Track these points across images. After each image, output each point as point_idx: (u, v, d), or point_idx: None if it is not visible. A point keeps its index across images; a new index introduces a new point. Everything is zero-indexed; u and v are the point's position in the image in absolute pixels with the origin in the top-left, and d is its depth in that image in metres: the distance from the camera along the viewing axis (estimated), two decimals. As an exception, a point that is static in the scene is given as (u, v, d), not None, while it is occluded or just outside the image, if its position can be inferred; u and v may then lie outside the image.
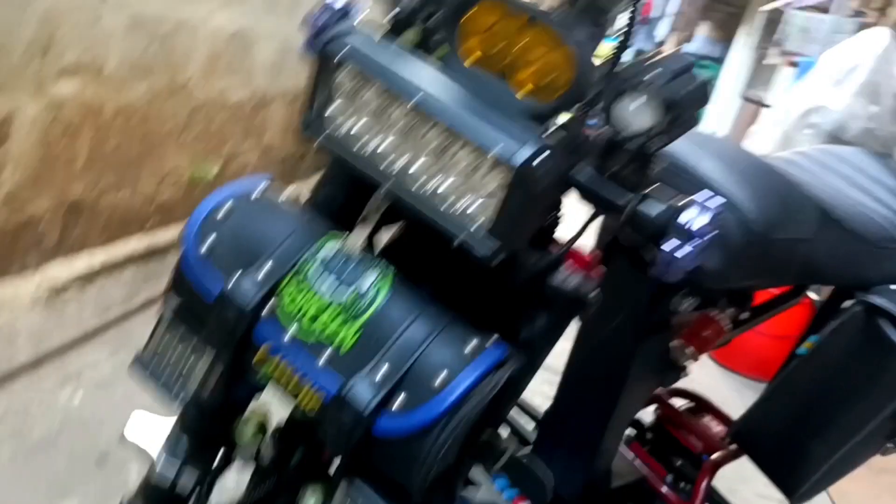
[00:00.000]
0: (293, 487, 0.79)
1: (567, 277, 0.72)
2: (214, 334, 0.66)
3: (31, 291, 2.14)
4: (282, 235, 0.70)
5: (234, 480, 0.90)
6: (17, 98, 1.85)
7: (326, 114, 0.66)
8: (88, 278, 2.38)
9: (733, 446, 1.59)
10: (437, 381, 0.62)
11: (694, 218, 0.63)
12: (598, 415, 1.28)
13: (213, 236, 0.69)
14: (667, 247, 0.63)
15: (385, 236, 0.83)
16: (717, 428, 1.75)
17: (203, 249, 0.68)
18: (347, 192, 0.80)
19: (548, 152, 0.58)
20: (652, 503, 1.58)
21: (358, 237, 0.80)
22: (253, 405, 0.83)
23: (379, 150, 0.64)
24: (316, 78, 0.68)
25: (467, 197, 0.61)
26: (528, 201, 0.59)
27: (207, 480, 0.87)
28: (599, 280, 0.74)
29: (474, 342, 0.64)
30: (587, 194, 0.67)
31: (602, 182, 0.65)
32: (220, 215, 0.70)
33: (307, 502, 0.75)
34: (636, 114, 0.59)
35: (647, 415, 1.70)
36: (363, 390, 0.61)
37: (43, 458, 1.73)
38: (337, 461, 0.76)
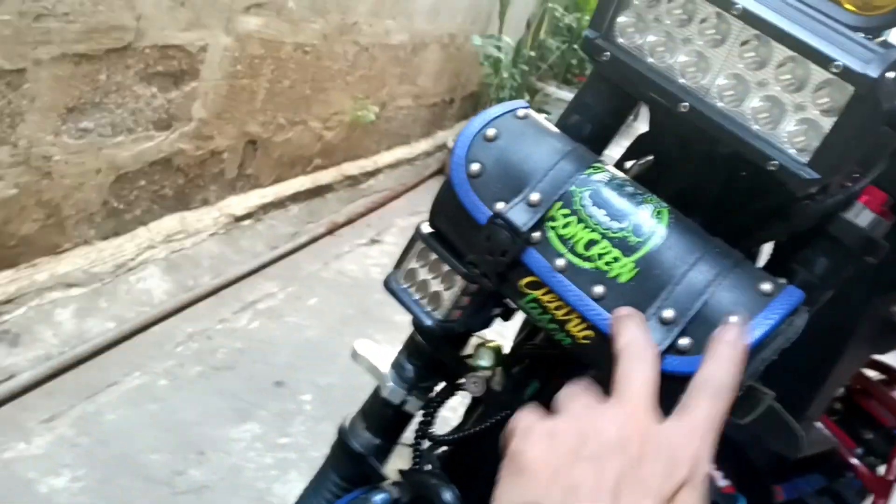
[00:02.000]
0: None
1: (860, 214, 0.65)
2: (485, 256, 0.63)
3: (212, 222, 2.24)
4: (550, 161, 0.66)
5: (457, 411, 0.89)
6: (210, 32, 1.91)
7: (618, 21, 0.61)
8: (260, 213, 2.47)
9: (934, 422, 1.47)
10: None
11: None
12: (810, 378, 1.20)
13: (480, 159, 0.66)
14: None
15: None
16: (911, 402, 1.63)
17: (472, 173, 0.66)
18: (597, 122, 0.75)
19: (897, 68, 0.51)
20: (841, 475, 1.49)
21: (626, 168, 0.75)
22: (486, 333, 0.82)
23: (679, 63, 0.59)
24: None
25: (786, 118, 0.55)
26: (869, 123, 0.52)
27: (431, 410, 0.86)
28: (893, 224, 0.67)
29: (769, 283, 0.59)
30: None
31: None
32: (486, 138, 0.67)
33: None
34: None
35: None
36: (654, 328, 0.57)
37: (225, 380, 1.82)
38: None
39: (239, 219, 2.35)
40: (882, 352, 1.33)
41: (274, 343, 2.02)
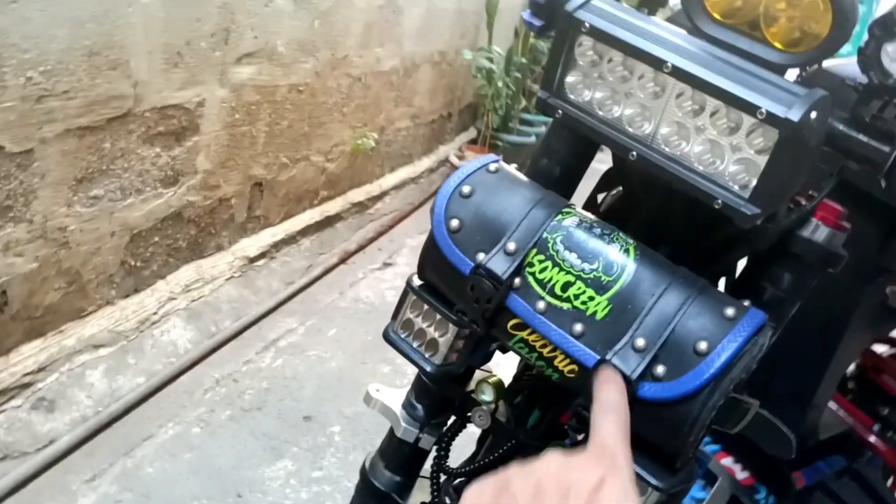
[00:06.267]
0: (533, 449, 0.81)
1: (816, 231, 0.69)
2: (472, 304, 0.69)
3: (227, 266, 2.31)
4: (523, 211, 0.71)
5: (468, 443, 0.94)
6: (206, 87, 1.97)
7: (567, 81, 0.67)
8: (273, 251, 2.54)
9: (950, 390, 1.49)
10: (701, 347, 0.61)
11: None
12: (812, 368, 1.23)
13: (459, 215, 0.72)
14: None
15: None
16: (924, 373, 1.64)
17: (452, 228, 0.71)
18: (565, 165, 0.80)
19: (820, 107, 0.55)
20: (860, 454, 1.52)
21: (594, 210, 0.80)
22: (489, 368, 0.87)
23: (625, 115, 0.64)
24: (556, 46, 0.67)
25: (725, 159, 0.59)
26: (799, 159, 0.57)
27: (444, 444, 0.91)
28: (849, 234, 0.71)
29: (732, 307, 0.63)
30: (841, 145, 0.64)
31: (857, 131, 0.62)
32: (462, 195, 0.72)
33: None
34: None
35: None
36: (627, 356, 0.62)
37: (255, 420, 1.89)
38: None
39: (253, 259, 2.42)
40: (883, 334, 1.36)
41: (299, 378, 2.08)
